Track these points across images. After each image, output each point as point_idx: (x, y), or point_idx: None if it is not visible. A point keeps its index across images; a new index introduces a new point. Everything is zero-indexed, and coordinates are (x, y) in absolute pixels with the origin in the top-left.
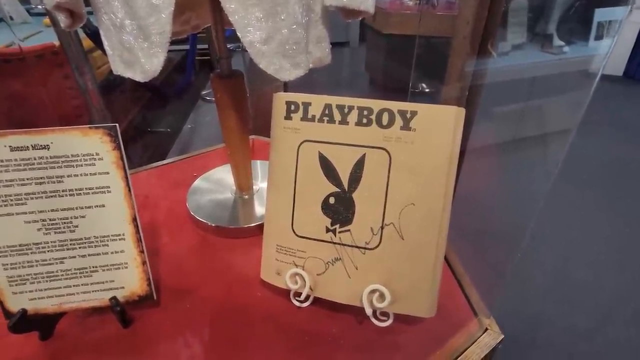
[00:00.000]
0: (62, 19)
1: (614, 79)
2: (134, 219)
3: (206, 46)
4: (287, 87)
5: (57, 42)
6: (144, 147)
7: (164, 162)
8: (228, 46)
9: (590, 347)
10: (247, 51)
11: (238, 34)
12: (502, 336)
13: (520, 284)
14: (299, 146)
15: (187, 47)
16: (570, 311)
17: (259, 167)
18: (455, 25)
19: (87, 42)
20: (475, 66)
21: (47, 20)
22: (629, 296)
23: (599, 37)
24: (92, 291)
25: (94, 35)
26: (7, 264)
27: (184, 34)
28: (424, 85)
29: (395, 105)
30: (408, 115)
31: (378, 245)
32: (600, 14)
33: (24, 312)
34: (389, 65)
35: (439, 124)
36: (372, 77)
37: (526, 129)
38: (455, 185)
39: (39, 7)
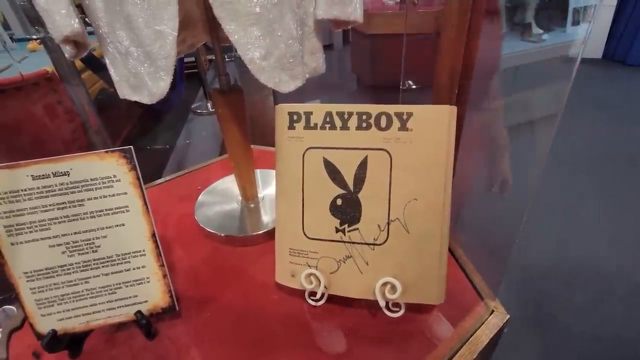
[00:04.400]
0: (68, 50)
1: (593, 61)
2: (153, 235)
3: (192, 59)
4: (276, 96)
5: (49, 68)
6: (140, 166)
7: (167, 178)
8: None
9: (591, 322)
10: (233, 61)
11: (238, 52)
12: (508, 316)
13: (520, 266)
14: (304, 153)
15: None
16: (569, 289)
17: (260, 175)
18: (443, 20)
19: (77, 63)
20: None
21: (31, 45)
22: (624, 271)
23: (575, 23)
24: (118, 307)
25: (88, 59)
26: (35, 288)
27: (181, 54)
28: (410, 82)
29: (391, 109)
30: (404, 117)
31: (386, 240)
32: (576, 0)
33: (54, 332)
34: (375, 65)
35: (434, 122)
36: (359, 77)
37: (514, 117)
38: (453, 178)
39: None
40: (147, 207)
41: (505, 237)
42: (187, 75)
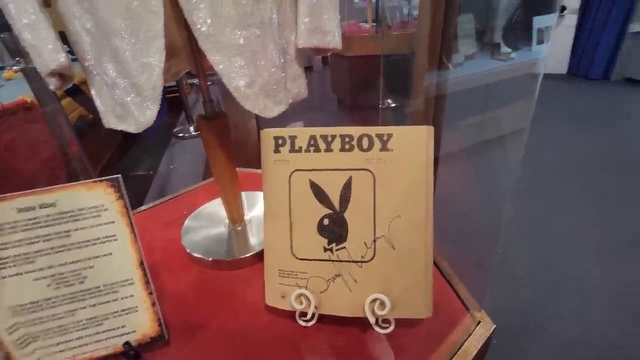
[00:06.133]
0: (53, 82)
1: (559, 76)
2: (141, 263)
3: (174, 83)
4: (259, 118)
5: (27, 97)
6: None
7: (152, 204)
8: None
9: (578, 330)
10: (215, 84)
11: (223, 81)
12: (494, 326)
13: (504, 277)
14: (290, 176)
15: None
16: (555, 297)
17: (246, 198)
18: (416, 42)
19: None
20: (437, 78)
21: (6, 74)
22: (604, 276)
23: (540, 42)
24: (105, 339)
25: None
26: (18, 323)
27: (165, 83)
28: (389, 100)
29: (373, 130)
30: (385, 138)
31: (373, 257)
32: (538, 22)
33: None
34: (353, 85)
35: (413, 142)
36: (339, 97)
37: (487, 132)
38: (434, 193)
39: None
40: (135, 235)
41: (488, 248)
42: (168, 100)
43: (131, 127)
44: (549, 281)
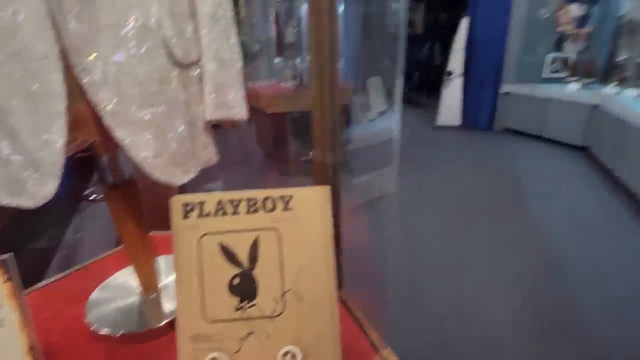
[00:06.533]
0: None
1: (455, 128)
2: (32, 348)
3: None
4: None
5: None
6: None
7: (52, 279)
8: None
9: (496, 356)
10: None
11: (130, 154)
12: None
13: (423, 313)
14: (199, 240)
15: None
16: (469, 330)
17: (163, 262)
18: (312, 101)
19: None
20: (344, 134)
21: None
22: (512, 304)
23: (437, 101)
24: None
25: None
26: None
27: (69, 153)
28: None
29: (275, 192)
30: (286, 199)
31: (282, 311)
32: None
33: None
34: (277, 140)
35: (312, 202)
36: (265, 151)
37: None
38: (338, 245)
39: None
40: (25, 319)
41: (386, 288)
42: (79, 159)
43: (27, 202)
44: (464, 312)
